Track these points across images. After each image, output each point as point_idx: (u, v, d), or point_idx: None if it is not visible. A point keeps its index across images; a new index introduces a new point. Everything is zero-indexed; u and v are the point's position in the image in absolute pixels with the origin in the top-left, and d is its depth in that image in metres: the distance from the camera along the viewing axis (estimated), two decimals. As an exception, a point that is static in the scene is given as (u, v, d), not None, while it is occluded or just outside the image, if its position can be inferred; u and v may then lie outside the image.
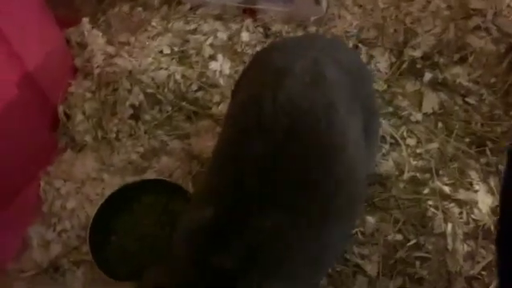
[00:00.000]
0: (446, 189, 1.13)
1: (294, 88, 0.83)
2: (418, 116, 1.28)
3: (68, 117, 1.36)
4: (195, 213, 0.80)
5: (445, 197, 1.12)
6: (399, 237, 1.10)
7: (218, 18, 1.57)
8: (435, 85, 1.31)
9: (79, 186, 1.27)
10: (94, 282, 1.17)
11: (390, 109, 1.31)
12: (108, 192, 1.22)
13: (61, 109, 1.34)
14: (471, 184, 1.13)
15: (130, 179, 1.26)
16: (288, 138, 0.79)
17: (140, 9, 1.62)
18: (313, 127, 0.81)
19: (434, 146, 1.23)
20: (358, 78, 0.97)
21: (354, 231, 1.12)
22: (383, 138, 1.26)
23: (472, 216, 1.08)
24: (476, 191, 1.11)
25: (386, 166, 1.21)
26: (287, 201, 0.76)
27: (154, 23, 1.54)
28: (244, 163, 0.78)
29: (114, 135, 1.35)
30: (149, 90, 1.39)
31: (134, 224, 1.21)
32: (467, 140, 1.22)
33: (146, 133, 1.37)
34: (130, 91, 1.38)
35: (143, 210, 1.22)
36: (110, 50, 1.47)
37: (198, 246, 0.75)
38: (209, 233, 0.75)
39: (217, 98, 1.40)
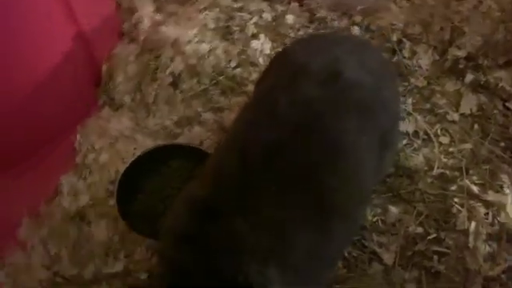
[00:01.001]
0: (475, 188, 1.11)
1: (307, 85, 0.85)
2: (455, 116, 1.26)
3: (110, 76, 1.40)
4: (194, 188, 0.82)
5: (472, 196, 1.10)
6: (420, 230, 1.09)
7: (266, -2, 1.58)
8: (476, 86, 1.29)
9: (112, 142, 1.31)
10: (116, 235, 1.20)
11: (427, 105, 1.29)
12: (139, 152, 1.26)
13: (105, 68, 1.39)
14: (501, 187, 1.11)
15: (161, 143, 1.29)
16: (296, 131, 0.80)
17: (191, -18, 1.66)
18: (321, 124, 0.82)
19: (468, 146, 1.21)
20: (382, 80, 0.96)
21: (372, 220, 1.12)
22: (416, 133, 1.25)
23: (498, 218, 1.06)
24: (506, 194, 1.09)
25: (416, 160, 1.20)
26: (287, 191, 0.77)
27: (202, -4, 1.57)
28: (250, 149, 0.80)
29: (152, 99, 1.39)
30: (190, 61, 1.42)
31: (161, 185, 1.24)
32: (502, 145, 1.20)
33: (182, 101, 1.40)
34: (172, 59, 1.41)
35: (171, 173, 1.25)
36: (158, 17, 1.50)
37: (188, 221, 0.75)
38: (201, 210, 0.75)
39: (254, 76, 1.41)
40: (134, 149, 1.29)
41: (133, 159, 1.22)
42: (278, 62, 1.01)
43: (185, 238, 0.72)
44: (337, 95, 0.85)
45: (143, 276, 1.13)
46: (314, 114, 0.83)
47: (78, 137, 1.33)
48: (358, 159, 0.83)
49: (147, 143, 1.31)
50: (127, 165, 1.22)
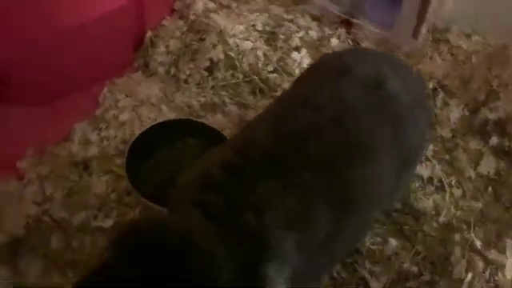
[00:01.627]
0: (478, 244, 1.10)
1: (352, 84, 0.87)
2: (472, 173, 1.27)
3: (152, 44, 1.42)
4: (215, 152, 0.83)
5: (474, 250, 1.09)
6: (415, 269, 1.08)
7: (316, 18, 1.62)
8: (498, 151, 1.30)
9: (137, 104, 1.31)
10: (114, 193, 1.19)
11: (447, 157, 1.30)
12: (159, 121, 1.26)
13: (149, 34, 1.42)
14: (504, 249, 1.10)
15: (183, 118, 1.30)
16: (332, 120, 0.82)
17: (248, -14, 1.71)
18: (357, 121, 0.84)
19: (478, 205, 1.21)
20: (417, 100, 0.98)
21: (370, 247, 1.10)
22: (430, 179, 1.25)
23: (495, 277, 1.05)
24: (508, 257, 1.08)
25: (426, 203, 1.20)
26: (314, 173, 0.77)
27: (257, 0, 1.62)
28: (285, 126, 0.81)
29: (185, 77, 1.40)
30: (230, 53, 1.45)
31: (174, 158, 1.23)
32: (512, 212, 1.20)
33: (212, 88, 1.42)
34: (214, 46, 1.43)
35: (186, 149, 1.25)
36: (211, 5, 1.54)
37: (219, 174, 0.74)
38: (232, 170, 0.75)
39: (286, 85, 1.43)
40: (156, 116, 1.30)
41: (152, 124, 1.22)
42: (323, 64, 1.03)
43: (215, 187, 0.72)
44: (376, 102, 0.87)
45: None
46: (353, 111, 0.84)
47: (105, 90, 1.33)
48: (382, 164, 0.84)
49: (170, 116, 1.31)
50: (145, 129, 1.22)
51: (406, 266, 1.08)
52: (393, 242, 1.12)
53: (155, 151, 1.23)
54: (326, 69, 0.97)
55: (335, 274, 1.08)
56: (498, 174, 1.27)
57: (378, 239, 1.13)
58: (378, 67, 0.93)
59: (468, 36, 1.49)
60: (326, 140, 0.80)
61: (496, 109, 1.34)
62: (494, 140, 1.31)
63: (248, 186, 0.72)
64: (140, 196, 1.09)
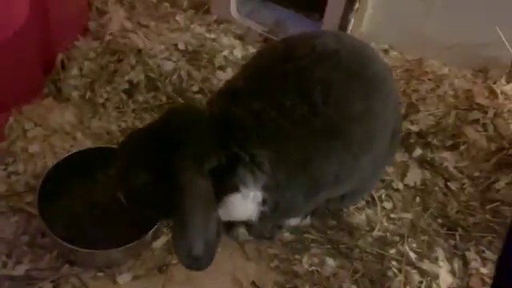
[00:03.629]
0: (412, 255, 1.11)
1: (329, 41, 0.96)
2: (400, 185, 1.29)
3: (64, 67, 1.31)
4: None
5: (409, 262, 1.10)
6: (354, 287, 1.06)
7: (239, 37, 1.60)
8: (422, 162, 1.34)
9: (49, 134, 1.19)
10: (25, 236, 1.06)
11: (375, 170, 1.31)
12: (74, 150, 1.14)
13: (60, 57, 1.30)
14: (436, 259, 1.12)
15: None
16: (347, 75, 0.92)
17: (167, 4, 1.65)
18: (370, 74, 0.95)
19: (408, 216, 1.23)
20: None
21: (308, 270, 1.07)
22: (361, 194, 1.25)
23: (430, 289, 1.06)
24: (440, 267, 1.10)
25: (358, 218, 1.20)
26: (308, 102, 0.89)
27: (178, 18, 1.56)
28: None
29: (102, 101, 1.30)
30: (151, 74, 1.37)
31: (90, 190, 1.13)
32: (440, 221, 1.23)
33: (133, 111, 1.33)
34: (133, 67, 1.35)
35: (104, 179, 1.15)
36: (128, 25, 1.46)
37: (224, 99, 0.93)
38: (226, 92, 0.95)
39: (213, 106, 1.38)
40: (71, 146, 1.19)
41: (66, 155, 1.11)
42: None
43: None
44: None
45: (47, 286, 0.98)
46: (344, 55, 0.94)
47: (11, 120, 1.20)
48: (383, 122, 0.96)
49: (86, 144, 1.21)
50: (58, 161, 1.10)
51: (345, 285, 1.06)
52: (330, 261, 1.10)
53: (71, 184, 1.12)
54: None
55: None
56: (424, 184, 1.30)
57: (316, 260, 1.10)
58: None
59: (386, 51, 1.54)
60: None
61: (417, 121, 1.38)
62: (418, 151, 1.35)
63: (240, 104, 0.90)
64: (55, 237, 0.97)
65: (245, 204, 0.92)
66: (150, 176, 0.87)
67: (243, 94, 0.92)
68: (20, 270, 1.00)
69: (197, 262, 0.83)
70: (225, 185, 0.89)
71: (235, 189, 0.90)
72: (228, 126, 0.88)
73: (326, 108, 0.89)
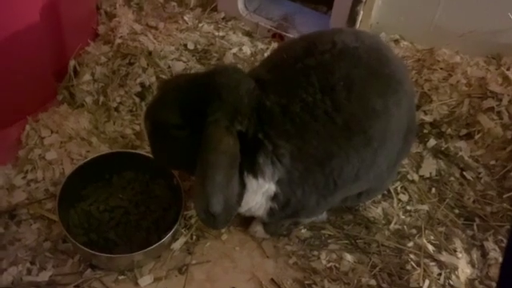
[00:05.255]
0: (430, 248, 1.11)
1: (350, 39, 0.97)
2: (415, 176, 1.29)
3: (76, 73, 1.32)
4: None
5: (427, 255, 1.10)
6: (373, 282, 1.06)
7: (248, 34, 1.60)
8: (437, 152, 1.33)
9: (65, 140, 1.21)
10: (47, 242, 1.08)
11: (390, 162, 1.31)
12: (91, 156, 1.16)
13: (72, 63, 1.31)
14: (455, 250, 1.11)
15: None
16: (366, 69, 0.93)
17: (174, 3, 1.65)
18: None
19: (424, 207, 1.22)
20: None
21: (326, 266, 1.08)
22: (377, 187, 1.25)
23: (449, 281, 1.06)
24: (458, 258, 1.10)
25: (375, 212, 1.20)
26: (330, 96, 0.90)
27: (186, 18, 1.56)
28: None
29: (115, 105, 1.31)
30: (162, 76, 1.38)
31: (107, 195, 1.14)
32: (456, 211, 1.23)
33: (146, 114, 1.34)
34: (144, 70, 1.36)
35: (121, 183, 1.16)
36: (137, 27, 1.46)
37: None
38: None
39: (224, 105, 1.39)
40: (87, 152, 1.20)
41: (82, 162, 1.13)
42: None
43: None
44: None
45: (71, 291, 1.00)
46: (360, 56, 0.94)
47: (28, 128, 1.22)
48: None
49: (102, 149, 1.22)
50: (76, 167, 1.12)
51: (364, 280, 1.06)
52: (348, 257, 1.10)
53: (89, 190, 1.14)
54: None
55: (294, 299, 1.04)
56: (439, 175, 1.29)
57: (334, 256, 1.11)
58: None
59: (397, 42, 1.52)
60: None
61: (430, 111, 1.37)
62: (432, 142, 1.34)
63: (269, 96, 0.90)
64: (77, 244, 0.99)
65: (256, 194, 0.92)
66: (181, 119, 0.87)
67: (270, 86, 0.92)
68: (44, 276, 1.02)
69: (214, 220, 0.84)
70: (241, 166, 0.87)
71: (252, 174, 0.89)
72: (258, 111, 0.88)
73: (349, 104, 0.89)
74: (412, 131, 1.06)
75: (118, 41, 1.38)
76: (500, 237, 1.16)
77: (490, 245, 1.14)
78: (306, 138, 0.89)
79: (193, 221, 1.14)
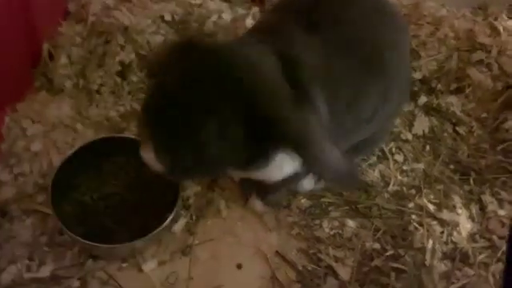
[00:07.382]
0: (431, 207, 1.12)
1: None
2: (408, 135, 1.28)
3: (51, 57, 1.25)
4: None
5: (428, 214, 1.11)
6: (377, 245, 1.07)
7: (226, 0, 1.53)
8: (428, 109, 1.32)
9: (48, 129, 1.15)
10: (44, 236, 1.05)
11: (382, 123, 1.30)
12: (78, 143, 1.12)
13: (46, 47, 1.23)
14: (454, 207, 1.13)
15: (104, 135, 1.16)
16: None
17: (146, -27, 1.56)
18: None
19: (420, 166, 1.23)
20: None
21: (330, 233, 1.08)
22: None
23: (452, 237, 1.07)
24: (459, 214, 1.11)
25: (372, 176, 1.20)
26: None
27: (159, -13, 1.48)
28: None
29: (96, 87, 1.25)
30: (142, 52, 1.31)
31: (100, 182, 1.11)
32: (452, 167, 1.23)
33: (129, 93, 1.29)
34: (122, 47, 1.29)
35: (114, 170, 1.13)
36: (110, 2, 1.38)
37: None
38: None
39: (210, 76, 1.34)
40: (73, 139, 1.15)
41: (71, 151, 1.08)
42: None
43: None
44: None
45: (75, 284, 0.98)
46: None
47: (7, 120, 1.15)
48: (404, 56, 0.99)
49: (88, 134, 1.17)
50: (64, 157, 1.07)
51: (368, 244, 1.07)
52: (350, 223, 1.10)
53: (78, 180, 1.09)
54: None
55: (300, 268, 1.04)
56: (432, 132, 1.29)
57: (336, 223, 1.11)
58: None
59: (380, -2, 1.48)
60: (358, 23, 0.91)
61: (419, 68, 1.35)
62: (423, 99, 1.33)
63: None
64: (74, 236, 0.96)
65: (290, 162, 0.86)
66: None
67: (287, 33, 0.87)
68: (45, 271, 0.99)
69: (352, 175, 0.86)
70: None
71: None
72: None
73: (365, 41, 0.90)
74: (408, 83, 1.08)
75: (92, 18, 1.30)
76: (496, 189, 1.17)
77: (487, 198, 1.15)
78: (334, 86, 0.86)
79: (191, 201, 1.12)
